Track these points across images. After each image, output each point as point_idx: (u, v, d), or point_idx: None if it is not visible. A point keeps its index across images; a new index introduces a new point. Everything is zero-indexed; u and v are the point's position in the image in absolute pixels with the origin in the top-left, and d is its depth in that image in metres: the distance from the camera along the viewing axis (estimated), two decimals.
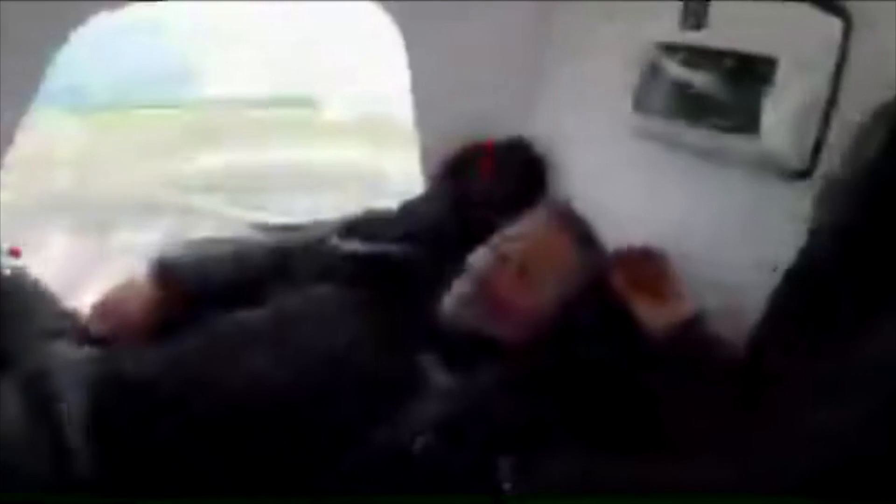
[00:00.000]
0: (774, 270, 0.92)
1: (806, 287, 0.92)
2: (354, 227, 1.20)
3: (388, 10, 1.26)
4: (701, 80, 1.00)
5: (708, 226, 1.05)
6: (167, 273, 1.05)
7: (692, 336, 0.92)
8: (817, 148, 0.94)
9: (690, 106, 1.02)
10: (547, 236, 1.02)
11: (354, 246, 1.12)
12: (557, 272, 1.00)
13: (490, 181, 1.35)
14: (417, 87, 1.32)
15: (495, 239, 1.04)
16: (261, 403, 0.87)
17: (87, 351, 0.98)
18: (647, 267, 0.99)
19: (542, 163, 1.36)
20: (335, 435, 0.84)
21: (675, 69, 1.03)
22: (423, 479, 0.79)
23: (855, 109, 0.87)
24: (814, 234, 0.91)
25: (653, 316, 0.95)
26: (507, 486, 0.78)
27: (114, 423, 0.87)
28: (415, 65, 1.29)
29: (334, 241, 1.14)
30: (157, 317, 1.03)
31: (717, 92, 0.99)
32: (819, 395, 0.79)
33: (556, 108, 1.31)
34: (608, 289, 1.00)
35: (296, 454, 0.84)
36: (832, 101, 0.92)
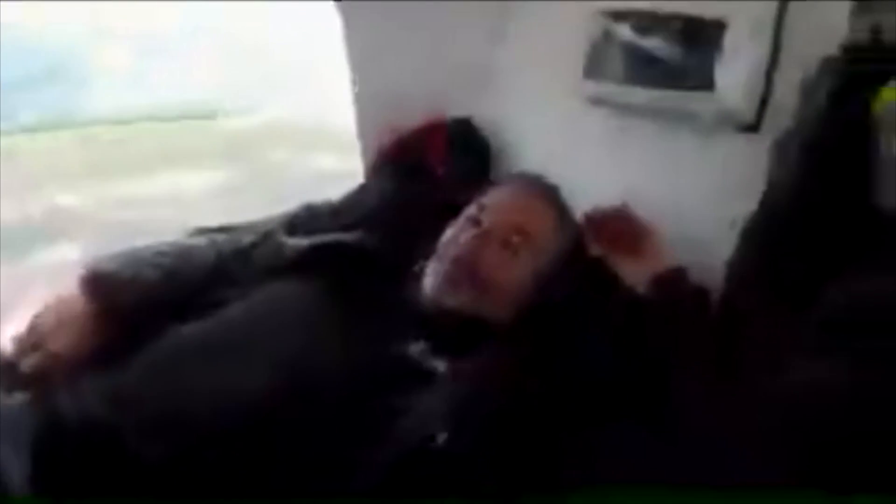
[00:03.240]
0: (732, 227, 0.96)
1: (764, 241, 0.95)
2: (297, 223, 1.11)
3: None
4: (653, 44, 1.02)
5: (671, 186, 1.06)
6: (101, 285, 0.91)
7: (679, 287, 0.92)
8: (764, 102, 0.98)
9: (644, 69, 1.04)
10: (524, 206, 0.99)
11: (306, 240, 1.02)
12: (539, 242, 0.97)
13: (437, 164, 1.32)
14: (360, 78, 1.26)
15: (470, 212, 0.99)
16: (241, 425, 0.75)
17: (18, 397, 0.82)
18: (619, 226, 0.98)
19: (488, 143, 1.33)
20: (339, 445, 0.74)
21: (627, 35, 1.05)
22: (444, 475, 0.72)
23: (801, 64, 0.91)
24: (770, 187, 0.95)
25: (635, 272, 0.94)
26: None
27: (63, 482, 0.73)
28: (358, 55, 1.24)
29: (281, 237, 1.05)
30: (96, 337, 0.89)
31: (670, 54, 1.01)
32: (784, 354, 0.79)
33: (507, 87, 1.29)
34: (586, 253, 0.99)
35: (293, 477, 0.72)
36: (775, 56, 0.96)
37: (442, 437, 0.73)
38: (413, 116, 1.26)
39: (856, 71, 0.86)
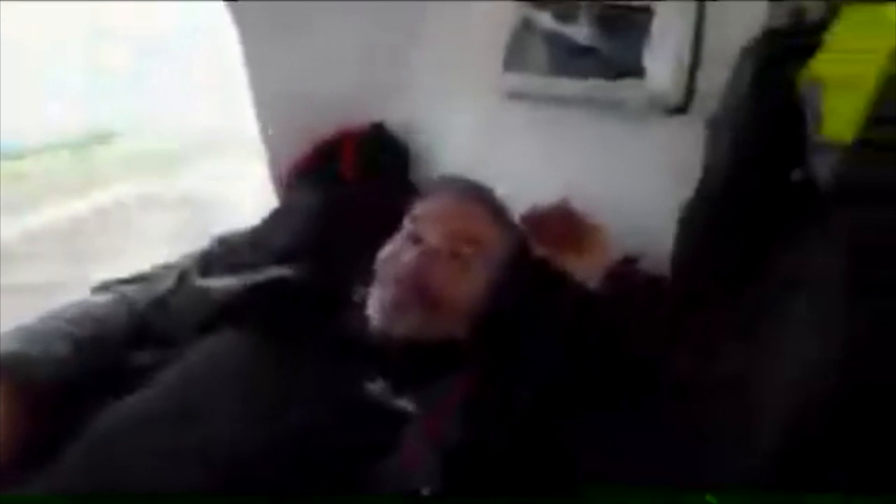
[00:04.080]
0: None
1: (699, 229, 0.94)
2: (212, 259, 0.99)
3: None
4: (576, 31, 0.98)
5: (606, 175, 1.04)
6: (9, 368, 0.76)
7: (631, 279, 0.91)
8: (691, 84, 0.98)
9: (569, 59, 1.00)
10: (463, 213, 0.92)
11: (234, 280, 0.90)
12: (487, 249, 0.91)
13: (355, 174, 1.23)
14: (259, 82, 1.13)
15: (406, 228, 0.91)
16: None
17: None
18: (560, 224, 0.95)
19: (406, 148, 1.25)
20: None
21: (548, 23, 1.00)
22: None
23: (725, 44, 0.90)
24: (705, 173, 0.95)
25: (583, 269, 0.92)
26: None
27: None
28: (256, 58, 1.10)
29: (198, 281, 0.92)
30: (21, 431, 0.75)
31: (594, 42, 0.98)
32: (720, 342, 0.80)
33: (424, 87, 1.21)
34: (531, 255, 0.95)
35: None
36: (699, 36, 0.96)
37: (427, 491, 0.68)
38: (324, 122, 1.16)
39: (776, 53, 0.87)
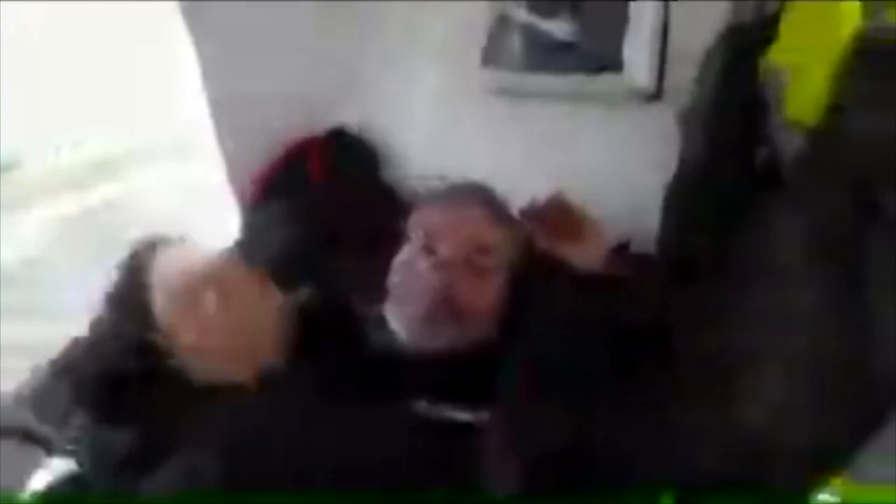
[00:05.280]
0: None
1: (677, 216, 0.97)
2: None
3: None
4: (553, 26, 0.98)
5: (597, 165, 1.05)
6: None
7: (624, 262, 0.94)
8: (661, 74, 1.00)
9: (550, 54, 1.00)
10: (470, 219, 0.90)
11: None
12: (496, 252, 0.90)
13: (324, 177, 1.17)
14: (214, 85, 1.04)
15: (416, 240, 0.89)
16: None
17: None
18: (558, 217, 0.95)
19: (373, 149, 1.21)
20: None
21: (527, 19, 0.99)
22: None
23: (691, 31, 0.94)
24: (680, 163, 0.97)
25: (582, 257, 0.93)
26: None
27: None
28: (211, 62, 1.01)
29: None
30: None
31: (572, 35, 0.98)
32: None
33: (398, 86, 1.16)
34: (537, 250, 0.94)
35: None
36: (666, 24, 0.98)
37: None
38: (292, 126, 1.09)
39: (741, 47, 0.92)
